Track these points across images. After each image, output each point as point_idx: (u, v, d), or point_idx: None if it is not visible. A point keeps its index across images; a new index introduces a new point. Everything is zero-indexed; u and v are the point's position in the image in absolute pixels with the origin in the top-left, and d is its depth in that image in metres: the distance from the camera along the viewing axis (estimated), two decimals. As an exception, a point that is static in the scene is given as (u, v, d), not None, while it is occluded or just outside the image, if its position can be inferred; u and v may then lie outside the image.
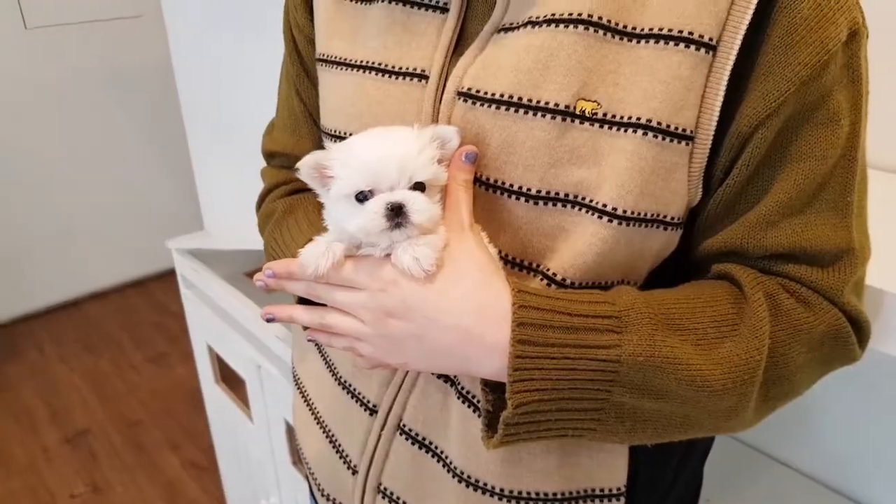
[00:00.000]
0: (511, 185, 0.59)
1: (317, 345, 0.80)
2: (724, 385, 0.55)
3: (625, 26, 0.56)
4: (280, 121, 0.87)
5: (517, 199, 0.59)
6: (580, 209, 0.58)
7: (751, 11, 0.53)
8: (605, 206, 0.56)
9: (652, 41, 0.55)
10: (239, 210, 2.03)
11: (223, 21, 1.87)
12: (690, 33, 0.54)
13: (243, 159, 1.91)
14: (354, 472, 0.73)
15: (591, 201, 0.57)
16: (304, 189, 0.85)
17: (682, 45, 0.54)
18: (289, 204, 0.83)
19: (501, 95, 0.58)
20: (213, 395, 1.93)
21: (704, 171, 0.58)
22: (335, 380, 0.76)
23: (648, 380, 0.55)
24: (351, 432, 0.73)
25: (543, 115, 0.56)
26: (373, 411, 0.71)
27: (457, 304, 0.56)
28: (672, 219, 0.59)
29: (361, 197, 0.57)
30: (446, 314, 0.56)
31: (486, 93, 0.59)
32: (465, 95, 0.60)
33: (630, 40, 0.56)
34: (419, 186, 0.57)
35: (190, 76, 2.12)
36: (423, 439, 0.68)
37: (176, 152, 3.56)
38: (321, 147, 0.82)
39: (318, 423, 0.79)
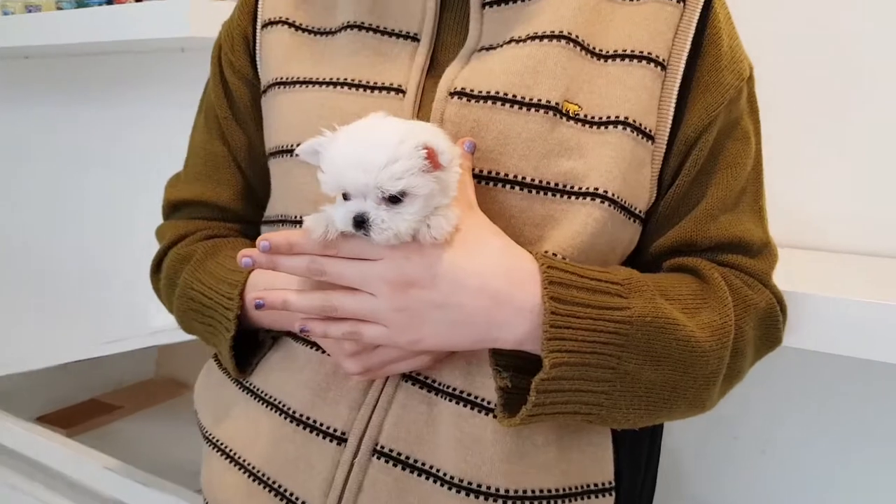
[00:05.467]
0: (507, 175, 0.62)
1: (244, 389, 0.72)
2: (711, 346, 0.61)
3: (593, 47, 0.65)
4: (192, 170, 0.83)
5: (512, 188, 0.62)
6: (568, 197, 0.63)
7: (689, 41, 0.66)
8: (596, 189, 0.62)
9: (618, 60, 0.65)
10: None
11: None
12: (649, 53, 0.65)
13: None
14: None
15: (579, 188, 0.62)
16: (216, 237, 0.80)
17: (644, 62, 0.65)
18: (212, 245, 0.78)
19: (497, 92, 0.63)
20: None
21: (659, 173, 0.66)
22: (285, 417, 0.68)
23: (652, 341, 0.59)
24: (310, 472, 0.65)
25: (537, 111, 0.62)
26: (341, 440, 0.65)
27: (485, 268, 0.57)
28: (640, 212, 0.66)
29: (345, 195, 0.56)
30: (475, 277, 0.57)
31: (480, 91, 0.64)
32: (459, 94, 0.64)
33: (598, 59, 0.65)
34: (395, 197, 0.54)
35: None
36: (407, 458, 0.63)
37: None
38: (242, 192, 0.80)
39: (255, 480, 0.69)
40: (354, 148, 0.56)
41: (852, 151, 1.09)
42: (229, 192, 0.81)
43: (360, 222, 0.54)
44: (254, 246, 0.78)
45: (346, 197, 0.56)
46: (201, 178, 0.81)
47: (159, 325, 1.38)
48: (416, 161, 0.54)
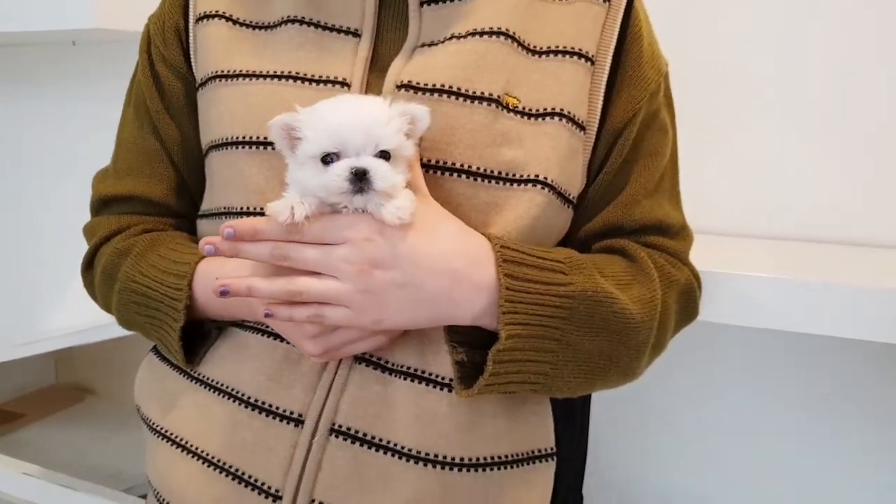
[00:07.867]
0: (453, 164, 0.66)
1: (192, 379, 0.73)
2: (642, 318, 0.67)
3: (528, 44, 0.70)
4: (122, 165, 0.82)
5: (458, 176, 0.66)
6: (511, 184, 0.67)
7: (615, 38, 0.72)
8: (536, 176, 0.67)
9: (551, 55, 0.70)
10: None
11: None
12: (579, 49, 0.70)
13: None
14: (276, 500, 0.66)
15: (520, 176, 0.67)
16: (153, 231, 0.80)
17: (574, 57, 0.70)
18: (151, 238, 0.78)
19: (442, 85, 0.67)
20: None
21: (588, 161, 0.72)
22: (240, 404, 0.69)
23: (592, 314, 0.64)
24: (268, 454, 0.67)
25: (480, 103, 0.67)
26: (298, 422, 0.67)
27: (444, 249, 0.61)
28: (573, 198, 0.72)
29: (328, 159, 0.59)
30: (437, 258, 0.60)
31: (425, 84, 0.67)
32: (406, 87, 0.67)
33: (533, 55, 0.70)
34: (384, 155, 0.60)
35: None
36: (365, 435, 0.66)
37: None
38: (176, 187, 0.81)
39: (211, 467, 0.70)
40: (350, 108, 0.60)
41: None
42: (162, 187, 0.81)
43: (361, 174, 0.57)
44: (196, 238, 0.80)
45: (326, 161, 0.59)
46: (133, 172, 0.81)
47: (57, 329, 1.34)
48: (403, 124, 0.60)
